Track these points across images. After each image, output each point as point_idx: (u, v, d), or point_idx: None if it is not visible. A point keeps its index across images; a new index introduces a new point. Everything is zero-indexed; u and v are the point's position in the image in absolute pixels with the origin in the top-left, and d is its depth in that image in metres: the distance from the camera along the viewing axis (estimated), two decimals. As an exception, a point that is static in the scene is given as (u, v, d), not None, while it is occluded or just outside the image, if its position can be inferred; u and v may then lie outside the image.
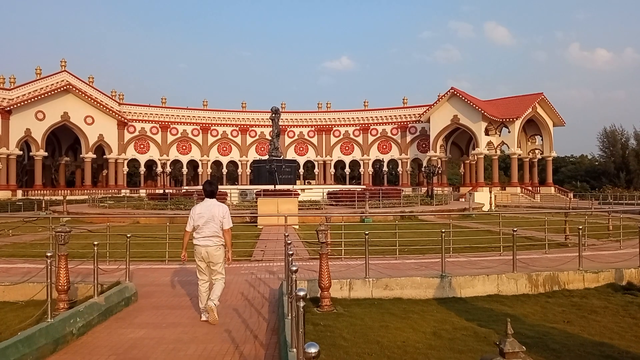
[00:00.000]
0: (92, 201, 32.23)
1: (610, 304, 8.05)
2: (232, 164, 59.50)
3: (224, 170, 58.63)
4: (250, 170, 51.80)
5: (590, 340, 6.17)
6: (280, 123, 39.83)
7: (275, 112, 36.68)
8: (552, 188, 50.59)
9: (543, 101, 49.12)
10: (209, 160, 57.57)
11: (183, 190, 34.03)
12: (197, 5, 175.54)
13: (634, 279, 9.48)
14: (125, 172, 54.18)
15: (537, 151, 52.21)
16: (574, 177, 74.21)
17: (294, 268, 4.51)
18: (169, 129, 55.99)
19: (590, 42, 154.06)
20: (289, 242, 7.15)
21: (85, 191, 46.25)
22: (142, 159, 54.87)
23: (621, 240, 13.98)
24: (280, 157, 36.56)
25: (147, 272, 10.24)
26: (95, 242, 7.04)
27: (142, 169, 55.46)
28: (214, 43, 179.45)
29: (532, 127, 51.21)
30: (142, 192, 45.79)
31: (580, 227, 10.60)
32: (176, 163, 57.49)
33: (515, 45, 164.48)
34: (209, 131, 57.57)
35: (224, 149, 58.31)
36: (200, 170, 57.44)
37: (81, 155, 51.30)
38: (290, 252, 5.99)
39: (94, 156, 50.86)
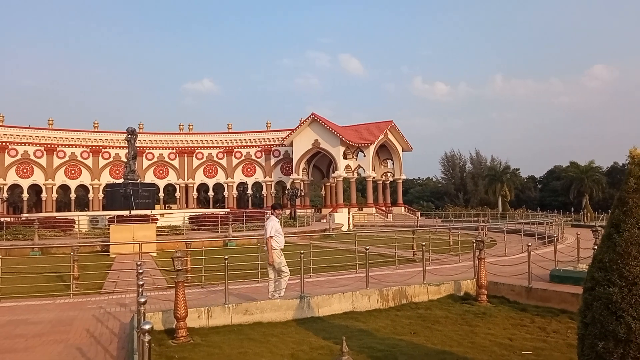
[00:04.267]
0: None
1: (451, 314, 8.86)
2: (82, 188, 54.68)
3: (72, 195, 53.57)
4: (103, 195, 48.14)
5: (434, 349, 6.71)
6: (137, 144, 37.79)
7: (132, 133, 34.73)
8: (403, 208, 54.80)
9: (393, 128, 53.42)
10: (54, 185, 52.22)
11: (22, 218, 30.35)
12: (43, 19, 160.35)
13: (470, 290, 10.55)
14: (-52, 199, 46.79)
15: (389, 174, 56.40)
16: (421, 197, 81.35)
17: (142, 300, 4.26)
18: (6, 150, 49.77)
19: (430, 76, 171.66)
20: (140, 271, 6.75)
21: None
22: (-29, 183, 47.94)
23: (460, 254, 15.59)
24: (137, 180, 34.53)
25: (-29, 315, 8.89)
26: None
27: (-29, 195, 48.38)
28: (62, 59, 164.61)
29: (385, 151, 55.33)
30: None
31: (424, 243, 11.60)
32: (15, 188, 51.13)
33: (367, 76, 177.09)
34: (55, 152, 52.35)
35: (73, 172, 53.37)
36: (44, 195, 51.75)
37: None
38: (141, 282, 5.65)
39: None
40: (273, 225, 9.32)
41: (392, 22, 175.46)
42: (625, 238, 3.85)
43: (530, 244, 11.07)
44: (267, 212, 36.93)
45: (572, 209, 48.48)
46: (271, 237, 9.17)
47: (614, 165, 71.24)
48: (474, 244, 10.47)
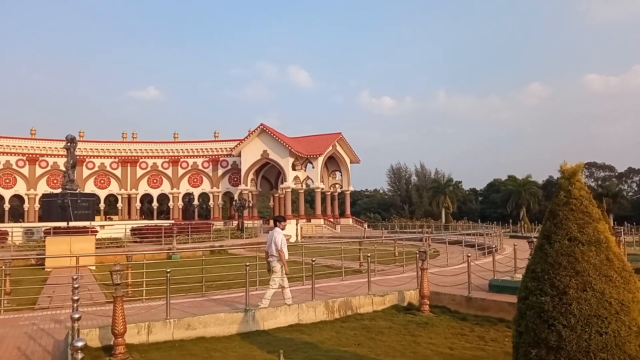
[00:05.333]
0: None
1: (394, 324, 8.99)
2: (17, 198, 51.73)
3: (6, 206, 50.54)
4: (39, 206, 45.83)
5: (377, 360, 6.78)
6: (77, 153, 36.33)
7: (71, 141, 33.37)
8: (350, 219, 55.29)
9: (341, 140, 54.03)
10: (-15, 194, 49.20)
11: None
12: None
13: (414, 300, 10.76)
14: None
15: (337, 185, 56.88)
16: (368, 209, 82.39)
17: (77, 315, 4.07)
18: None
19: (377, 90, 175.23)
20: (76, 285, 6.44)
21: None
22: None
23: (404, 264, 15.88)
24: (76, 190, 33.14)
25: None
26: None
27: None
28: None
29: (333, 163, 55.81)
30: None
31: (370, 254, 11.74)
32: (-60, 197, 47.80)
33: (316, 88, 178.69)
34: (-13, 160, 49.40)
35: (7, 180, 50.43)
36: (-27, 205, 48.67)
37: None
38: (76, 297, 5.40)
39: None
40: (282, 238, 9.69)
41: (341, 35, 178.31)
42: (556, 249, 4.05)
43: (470, 254, 11.43)
44: (213, 224, 36.44)
45: (511, 221, 50.57)
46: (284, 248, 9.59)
47: (549, 179, 74.90)
48: (417, 255, 10.70)
